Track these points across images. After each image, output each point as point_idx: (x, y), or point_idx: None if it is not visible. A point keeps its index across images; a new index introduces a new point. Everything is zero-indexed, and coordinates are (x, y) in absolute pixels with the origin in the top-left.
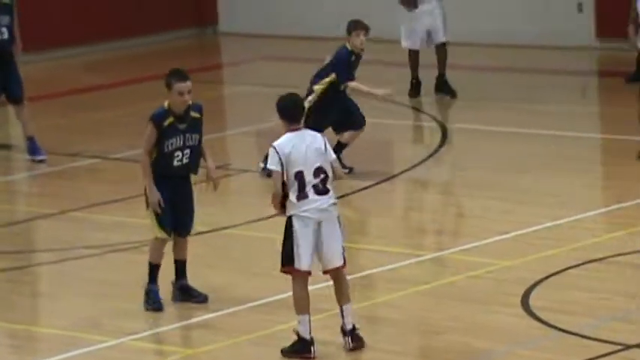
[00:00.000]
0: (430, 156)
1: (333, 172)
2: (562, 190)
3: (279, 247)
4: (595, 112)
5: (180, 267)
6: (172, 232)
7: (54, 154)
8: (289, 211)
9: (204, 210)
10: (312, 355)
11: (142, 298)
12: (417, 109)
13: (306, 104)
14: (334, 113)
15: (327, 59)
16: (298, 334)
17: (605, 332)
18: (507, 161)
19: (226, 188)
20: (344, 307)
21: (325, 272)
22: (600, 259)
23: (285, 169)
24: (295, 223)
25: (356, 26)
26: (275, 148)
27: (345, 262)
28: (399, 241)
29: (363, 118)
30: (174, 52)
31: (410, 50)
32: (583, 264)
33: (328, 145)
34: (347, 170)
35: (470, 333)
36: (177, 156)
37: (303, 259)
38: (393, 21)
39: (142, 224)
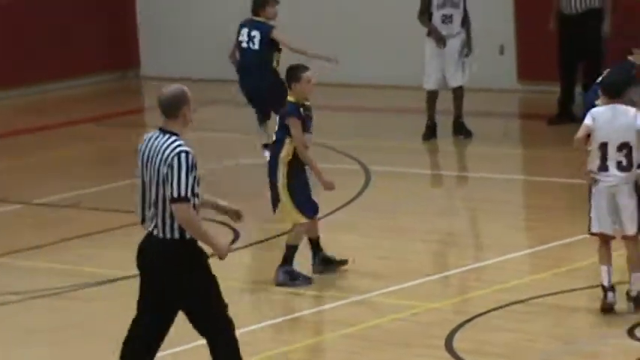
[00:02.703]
0: (354, 199)
1: None
2: (487, 232)
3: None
4: (518, 154)
5: (317, 243)
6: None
7: None
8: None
9: (126, 254)
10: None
11: (66, 342)
12: (340, 152)
13: None
14: None
15: None
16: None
17: None
18: (432, 203)
19: None
20: (632, 275)
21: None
22: (524, 301)
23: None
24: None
25: None
26: (591, 113)
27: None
28: (325, 283)
29: None
30: (97, 96)
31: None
32: (507, 305)
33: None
34: None
35: None
36: (308, 144)
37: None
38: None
39: (66, 270)
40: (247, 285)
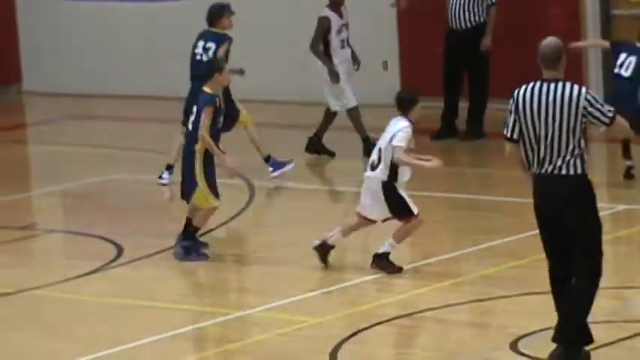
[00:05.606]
0: (238, 214)
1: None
2: (370, 247)
3: (88, 308)
4: None
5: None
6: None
7: None
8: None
9: (10, 271)
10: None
11: None
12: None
13: None
14: None
15: None
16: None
17: None
18: (310, 218)
19: (32, 249)
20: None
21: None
22: (407, 315)
23: None
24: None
25: None
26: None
27: None
28: (205, 300)
29: None
30: None
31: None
32: (391, 320)
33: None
34: None
35: None
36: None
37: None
38: None
39: None
40: (128, 301)
